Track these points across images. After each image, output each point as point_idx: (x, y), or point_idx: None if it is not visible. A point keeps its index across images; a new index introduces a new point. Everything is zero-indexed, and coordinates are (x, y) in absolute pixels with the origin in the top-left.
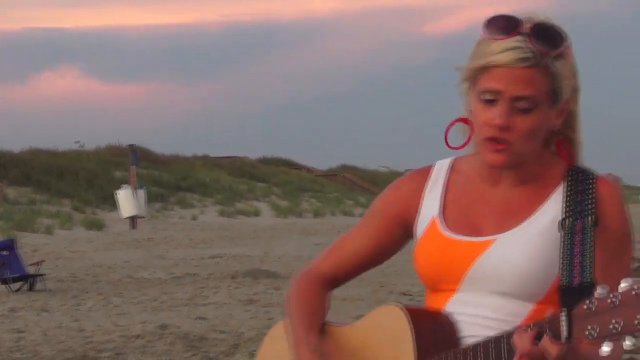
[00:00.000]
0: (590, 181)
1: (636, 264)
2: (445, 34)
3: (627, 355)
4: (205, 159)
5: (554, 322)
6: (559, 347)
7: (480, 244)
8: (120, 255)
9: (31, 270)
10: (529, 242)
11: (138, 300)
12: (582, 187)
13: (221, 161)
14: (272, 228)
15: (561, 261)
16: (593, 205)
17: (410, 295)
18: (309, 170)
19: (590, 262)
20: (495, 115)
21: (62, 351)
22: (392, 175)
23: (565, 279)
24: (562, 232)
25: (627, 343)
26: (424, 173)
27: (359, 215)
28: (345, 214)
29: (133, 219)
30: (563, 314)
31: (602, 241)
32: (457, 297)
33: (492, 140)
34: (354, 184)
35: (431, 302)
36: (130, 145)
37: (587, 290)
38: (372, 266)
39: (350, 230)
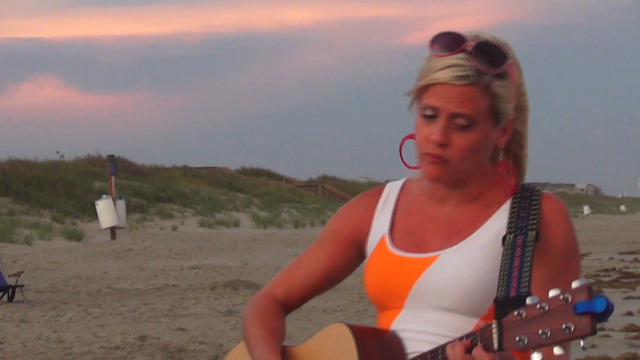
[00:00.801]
0: (535, 198)
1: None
2: (423, 46)
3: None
4: (185, 169)
5: (486, 333)
6: (490, 357)
7: (425, 260)
8: (99, 266)
9: (10, 281)
10: (471, 257)
11: (118, 311)
12: (526, 203)
13: (201, 172)
14: (252, 239)
15: (500, 275)
16: (535, 221)
17: None
18: (289, 180)
19: (527, 275)
20: (433, 131)
21: None
22: (372, 186)
23: (502, 292)
24: (504, 248)
25: (557, 351)
26: (376, 193)
27: None
28: (324, 225)
29: (113, 230)
30: (494, 324)
31: (547, 256)
32: (403, 314)
33: (429, 155)
34: (334, 194)
35: (380, 320)
36: (110, 156)
37: (521, 302)
38: (327, 288)
39: (302, 254)
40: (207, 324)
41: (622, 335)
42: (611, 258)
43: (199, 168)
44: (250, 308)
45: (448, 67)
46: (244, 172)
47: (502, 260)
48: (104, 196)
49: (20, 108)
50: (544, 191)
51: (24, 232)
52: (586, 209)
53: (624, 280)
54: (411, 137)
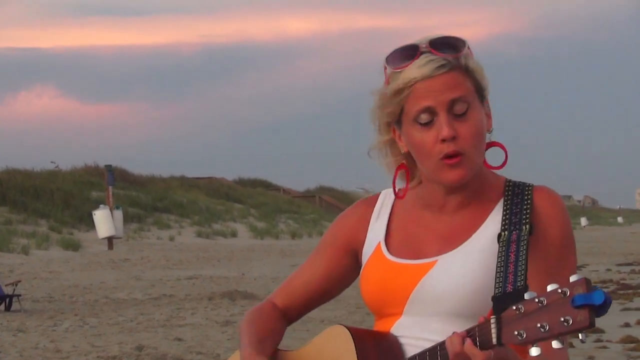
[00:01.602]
0: (527, 192)
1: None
2: None
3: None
4: (182, 179)
5: (484, 328)
6: (488, 352)
7: (423, 266)
8: (96, 276)
9: (8, 290)
10: (471, 260)
11: (115, 321)
12: (518, 199)
13: (198, 182)
14: (249, 249)
15: (496, 272)
16: (528, 215)
17: None
18: (286, 191)
19: (523, 268)
20: (438, 130)
21: None
22: None
23: (499, 288)
24: (499, 245)
25: (555, 345)
26: (371, 202)
27: None
28: (322, 235)
29: (110, 240)
30: (493, 319)
31: (542, 248)
32: (402, 320)
33: (447, 157)
34: (331, 205)
35: (378, 328)
36: (107, 166)
37: (518, 295)
38: (326, 298)
39: (302, 264)
40: (204, 334)
41: (619, 347)
42: (608, 269)
43: (196, 178)
44: (248, 312)
45: (422, 66)
46: (241, 182)
47: (498, 258)
48: (101, 206)
49: (17, 117)
50: (536, 185)
51: (21, 241)
52: (583, 221)
53: (621, 292)
54: (403, 167)
